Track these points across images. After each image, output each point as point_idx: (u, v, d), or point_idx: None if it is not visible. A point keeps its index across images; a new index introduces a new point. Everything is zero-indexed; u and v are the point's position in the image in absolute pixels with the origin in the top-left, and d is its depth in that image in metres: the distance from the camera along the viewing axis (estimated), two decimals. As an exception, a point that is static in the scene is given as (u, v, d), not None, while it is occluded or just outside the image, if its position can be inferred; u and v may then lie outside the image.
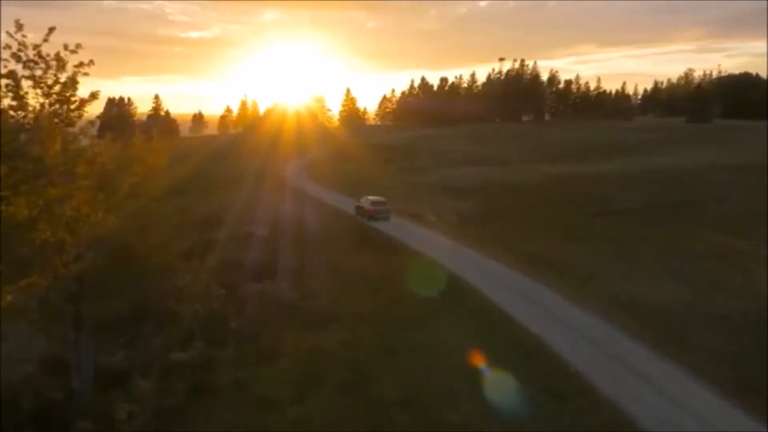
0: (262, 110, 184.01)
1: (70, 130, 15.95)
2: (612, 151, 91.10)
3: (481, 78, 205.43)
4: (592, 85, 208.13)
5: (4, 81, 14.24)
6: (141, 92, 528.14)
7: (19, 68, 14.39)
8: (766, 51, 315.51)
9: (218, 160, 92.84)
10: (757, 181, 52.89)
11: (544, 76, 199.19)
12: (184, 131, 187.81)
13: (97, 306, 16.30)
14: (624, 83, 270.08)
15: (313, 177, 71.58)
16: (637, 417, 15.13)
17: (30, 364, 19.26)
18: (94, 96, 15.67)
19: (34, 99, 14.76)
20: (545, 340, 19.86)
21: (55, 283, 15.21)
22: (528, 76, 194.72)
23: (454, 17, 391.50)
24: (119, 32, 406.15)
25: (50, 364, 19.13)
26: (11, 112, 14.46)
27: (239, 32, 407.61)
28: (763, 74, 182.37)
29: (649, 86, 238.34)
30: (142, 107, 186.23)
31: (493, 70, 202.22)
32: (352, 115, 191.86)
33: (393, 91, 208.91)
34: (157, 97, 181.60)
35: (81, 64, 15.62)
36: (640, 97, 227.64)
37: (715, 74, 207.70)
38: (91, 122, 16.83)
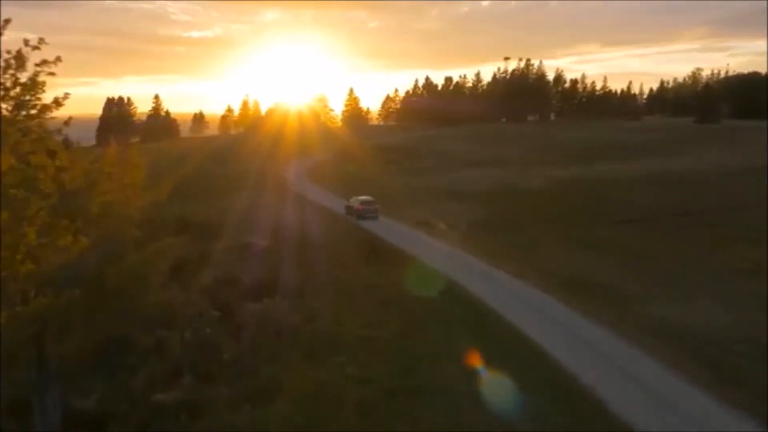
0: (263, 110, 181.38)
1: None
2: (622, 153, 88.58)
3: (484, 77, 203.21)
4: (598, 85, 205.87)
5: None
6: (142, 92, 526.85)
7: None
8: (766, 51, 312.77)
9: (218, 162, 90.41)
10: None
11: (550, 76, 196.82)
12: (185, 131, 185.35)
13: (64, 347, 13.76)
14: (630, 83, 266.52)
15: (315, 180, 68.92)
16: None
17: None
18: (58, 102, 13.12)
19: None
20: (584, 380, 17.29)
21: (11, 323, 12.73)
22: (533, 76, 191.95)
23: (455, 17, 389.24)
24: (121, 32, 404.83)
25: (12, 406, 16.60)
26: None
27: (241, 32, 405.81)
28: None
29: (652, 86, 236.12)
30: (144, 107, 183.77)
31: (499, 69, 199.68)
32: (354, 115, 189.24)
33: (396, 90, 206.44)
34: (157, 97, 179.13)
35: (44, 62, 13.09)
36: (645, 96, 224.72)
37: (722, 74, 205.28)
38: (59, 130, 14.29)
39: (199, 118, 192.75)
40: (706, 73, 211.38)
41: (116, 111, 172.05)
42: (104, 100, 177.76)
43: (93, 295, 13.33)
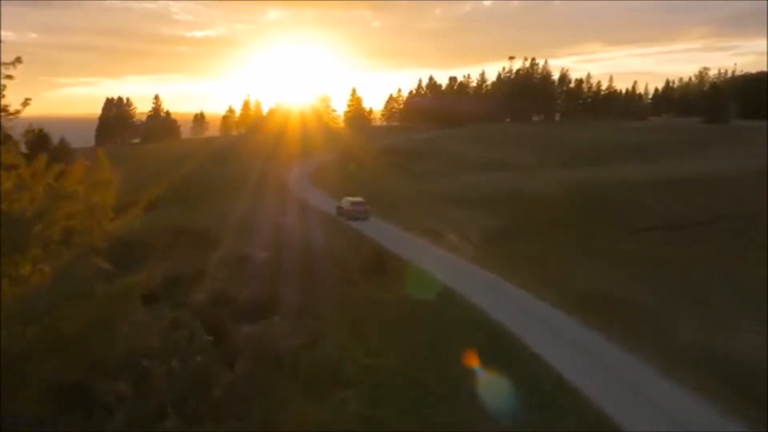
0: (264, 110, 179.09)
1: None
2: (632, 154, 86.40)
3: (488, 77, 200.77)
4: (603, 84, 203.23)
5: None
6: (145, 92, 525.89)
7: None
8: (766, 50, 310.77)
9: (218, 164, 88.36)
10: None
11: (554, 76, 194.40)
12: (186, 132, 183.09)
13: (14, 405, 11.52)
14: (635, 82, 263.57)
15: (318, 184, 66.62)
16: None
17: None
18: (6, 111, 11.05)
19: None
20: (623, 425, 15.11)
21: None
22: (538, 76, 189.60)
23: (458, 16, 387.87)
24: (123, 31, 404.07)
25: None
26: None
27: (243, 31, 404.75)
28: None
29: (655, 85, 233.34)
30: (146, 107, 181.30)
31: (504, 68, 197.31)
32: (357, 115, 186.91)
33: (399, 90, 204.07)
34: (157, 97, 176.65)
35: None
36: (650, 96, 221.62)
37: (729, 73, 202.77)
38: (15, 142, 12.22)
39: (199, 119, 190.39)
40: (712, 73, 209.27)
41: (115, 111, 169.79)
42: (102, 100, 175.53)
43: (49, 339, 11.15)
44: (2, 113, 11.45)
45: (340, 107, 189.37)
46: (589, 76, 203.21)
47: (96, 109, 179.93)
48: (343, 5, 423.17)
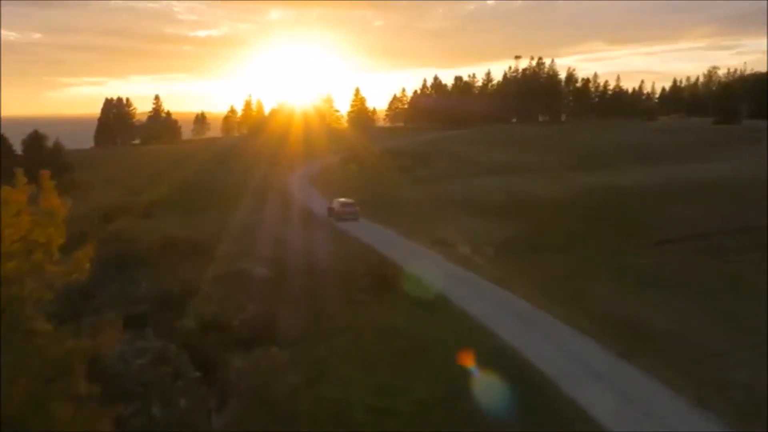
0: (267, 110, 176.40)
1: None
2: (646, 156, 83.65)
3: (493, 76, 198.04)
4: (611, 84, 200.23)
5: None
6: (149, 91, 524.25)
7: None
8: (767, 49, 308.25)
9: (218, 168, 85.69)
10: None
11: (561, 75, 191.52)
12: (187, 132, 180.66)
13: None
14: (642, 81, 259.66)
15: (321, 189, 63.88)
16: None
17: None
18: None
19: None
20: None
21: None
22: (545, 75, 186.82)
23: (461, 15, 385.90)
24: (127, 31, 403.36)
25: None
26: None
27: (247, 31, 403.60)
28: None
29: (660, 84, 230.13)
30: (148, 107, 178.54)
31: (510, 68, 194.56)
32: (361, 115, 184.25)
33: (403, 90, 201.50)
34: (157, 97, 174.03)
35: None
36: (657, 95, 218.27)
37: (738, 72, 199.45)
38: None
39: (201, 119, 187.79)
40: (721, 72, 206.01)
41: (115, 112, 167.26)
42: (101, 100, 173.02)
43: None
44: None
45: (344, 107, 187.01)
46: (596, 76, 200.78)
47: (91, 110, 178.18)
48: (346, 5, 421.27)
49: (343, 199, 47.71)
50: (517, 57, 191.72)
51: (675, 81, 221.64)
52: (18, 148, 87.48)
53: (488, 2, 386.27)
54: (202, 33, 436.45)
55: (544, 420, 16.10)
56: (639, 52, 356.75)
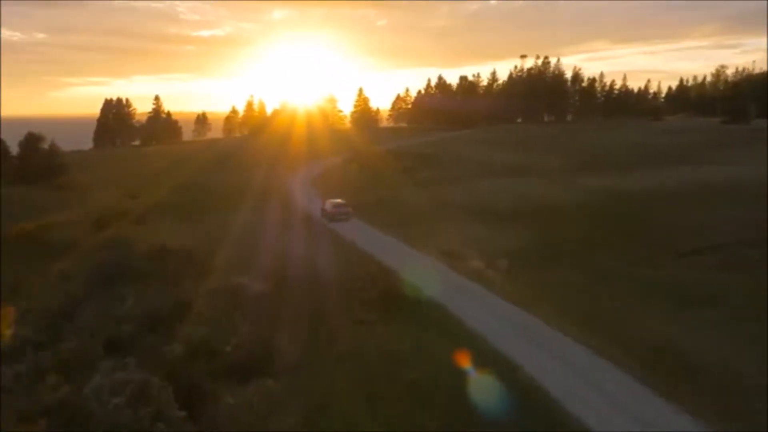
0: (269, 110, 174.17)
1: None
2: (657, 158, 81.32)
3: (497, 76, 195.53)
4: (617, 83, 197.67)
5: None
6: (153, 91, 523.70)
7: None
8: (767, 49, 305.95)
9: (218, 170, 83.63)
10: None
11: (566, 74, 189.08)
12: (188, 133, 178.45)
13: None
14: (648, 81, 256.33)
15: (324, 194, 61.54)
16: None
17: None
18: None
19: None
20: None
21: None
22: (550, 75, 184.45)
23: (464, 15, 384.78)
24: (130, 31, 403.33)
25: None
26: None
27: (250, 30, 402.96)
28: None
29: (664, 83, 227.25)
30: (149, 107, 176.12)
31: (516, 67, 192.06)
32: (364, 115, 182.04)
33: (407, 90, 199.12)
34: (157, 98, 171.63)
35: None
36: (663, 95, 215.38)
37: (746, 72, 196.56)
38: None
39: (202, 120, 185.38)
40: (730, 71, 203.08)
41: (114, 113, 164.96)
42: (100, 101, 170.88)
43: None
44: None
45: (347, 107, 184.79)
46: (602, 75, 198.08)
47: (90, 111, 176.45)
48: (349, 4, 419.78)
49: (334, 200, 48.94)
50: (523, 56, 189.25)
51: (681, 80, 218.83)
52: (18, 150, 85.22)
53: (491, 2, 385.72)
54: (205, 33, 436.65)
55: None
56: (642, 51, 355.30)
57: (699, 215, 44.20)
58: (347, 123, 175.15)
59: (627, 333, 22.00)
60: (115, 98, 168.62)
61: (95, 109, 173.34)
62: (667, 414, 16.19)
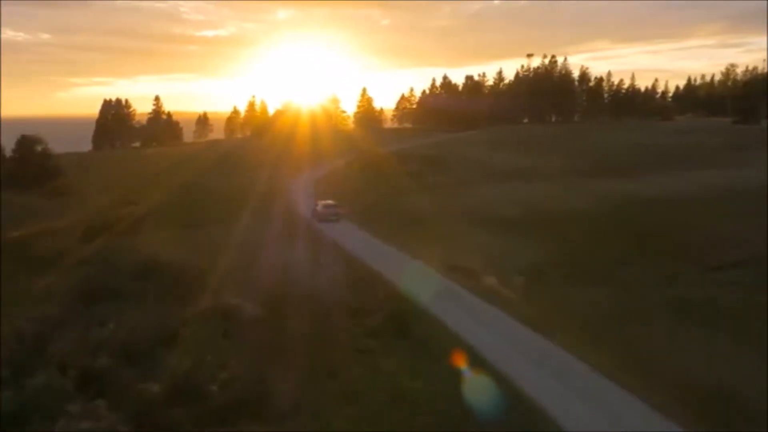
0: (271, 111, 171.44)
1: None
2: (669, 160, 78.75)
3: (503, 75, 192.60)
4: (621, 83, 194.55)
5: None
6: (157, 91, 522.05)
7: None
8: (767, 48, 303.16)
9: (218, 173, 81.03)
10: None
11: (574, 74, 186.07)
12: (189, 133, 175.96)
13: None
14: (656, 80, 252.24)
15: (326, 198, 59.00)
16: None
17: None
18: None
19: None
20: None
21: None
22: (557, 74, 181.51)
23: (467, 14, 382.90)
24: (134, 31, 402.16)
25: None
26: None
27: (253, 30, 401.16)
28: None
29: (669, 83, 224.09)
30: (150, 108, 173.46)
31: (522, 66, 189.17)
32: (368, 116, 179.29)
33: (412, 90, 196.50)
34: (157, 98, 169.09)
35: None
36: (670, 94, 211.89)
37: (756, 71, 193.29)
38: None
39: (203, 120, 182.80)
40: (740, 71, 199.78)
41: (113, 113, 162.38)
42: (100, 101, 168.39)
43: None
44: None
45: (350, 108, 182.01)
46: (609, 75, 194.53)
47: (90, 111, 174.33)
48: (353, 4, 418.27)
49: (326, 201, 51.00)
50: (530, 55, 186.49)
51: (689, 80, 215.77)
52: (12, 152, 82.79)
53: (494, 2, 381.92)
54: (209, 33, 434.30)
55: None
56: (646, 50, 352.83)
57: (723, 223, 41.61)
58: (351, 123, 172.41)
59: (671, 372, 19.26)
60: (114, 99, 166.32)
61: (98, 109, 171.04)
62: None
